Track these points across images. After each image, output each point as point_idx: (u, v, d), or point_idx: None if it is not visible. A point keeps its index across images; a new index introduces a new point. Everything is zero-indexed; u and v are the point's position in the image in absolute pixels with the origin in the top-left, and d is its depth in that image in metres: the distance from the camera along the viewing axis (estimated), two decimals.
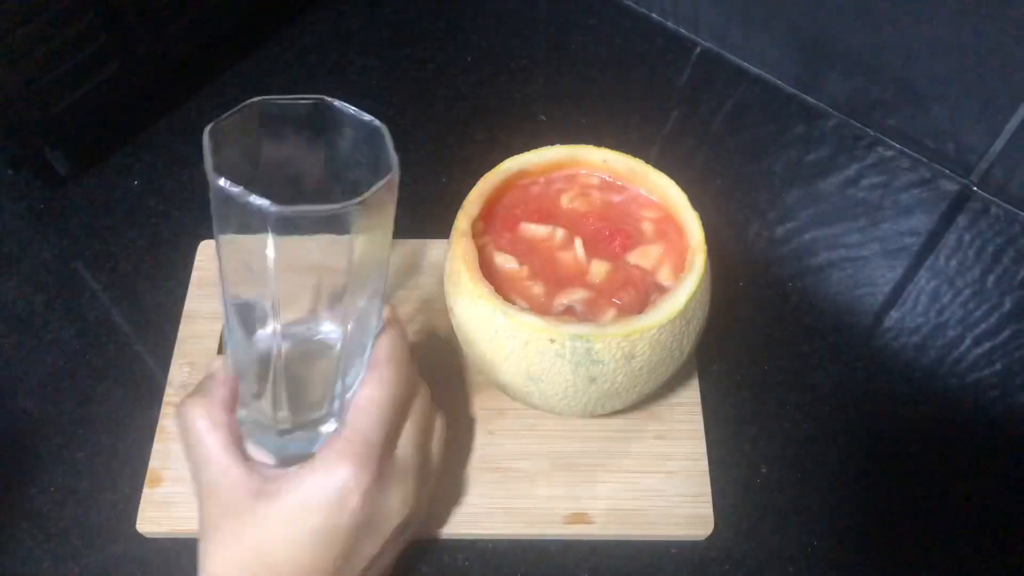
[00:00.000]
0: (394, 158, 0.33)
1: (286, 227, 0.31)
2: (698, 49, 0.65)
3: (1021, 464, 0.47)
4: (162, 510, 0.43)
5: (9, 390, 0.49)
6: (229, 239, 0.33)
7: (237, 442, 0.36)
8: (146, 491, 0.44)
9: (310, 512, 0.34)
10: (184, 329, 0.49)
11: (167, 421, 0.46)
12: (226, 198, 0.30)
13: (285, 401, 0.38)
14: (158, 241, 0.55)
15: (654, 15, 0.67)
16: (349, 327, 0.36)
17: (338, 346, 0.37)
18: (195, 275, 0.52)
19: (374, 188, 0.31)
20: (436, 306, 0.50)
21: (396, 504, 0.36)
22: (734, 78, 0.64)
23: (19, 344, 0.50)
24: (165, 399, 0.47)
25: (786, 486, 0.46)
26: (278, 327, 0.35)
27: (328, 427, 0.38)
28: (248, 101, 0.33)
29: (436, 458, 0.41)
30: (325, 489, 0.34)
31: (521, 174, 0.45)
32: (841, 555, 0.44)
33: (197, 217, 0.56)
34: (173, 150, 0.59)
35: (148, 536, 0.44)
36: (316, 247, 0.35)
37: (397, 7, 0.68)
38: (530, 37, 0.67)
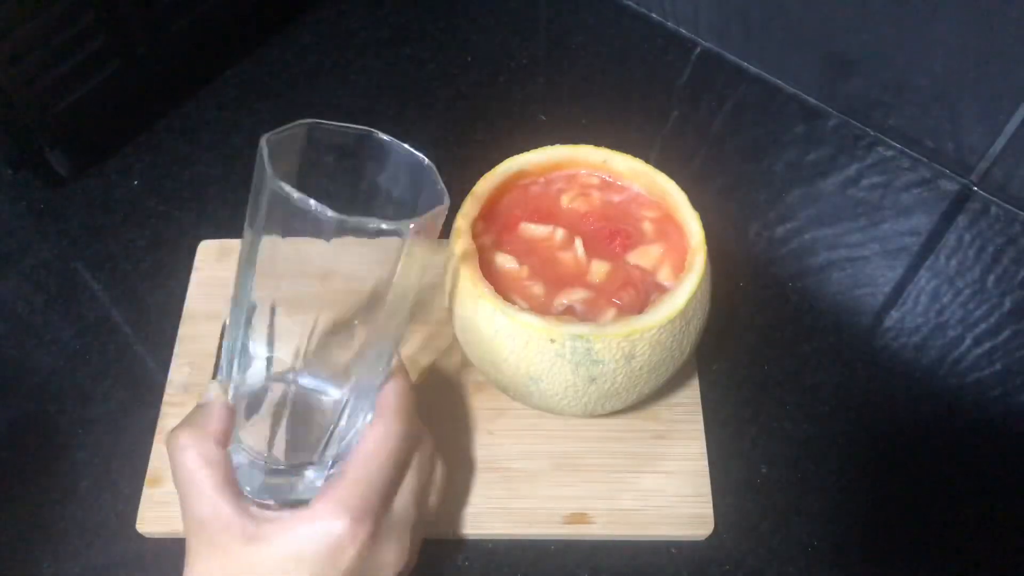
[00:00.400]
0: (444, 191, 0.33)
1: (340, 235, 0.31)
2: (698, 49, 0.65)
3: (1021, 464, 0.47)
4: (162, 510, 0.43)
5: (9, 390, 0.49)
6: (274, 241, 0.33)
7: (230, 479, 0.34)
8: (146, 491, 0.44)
9: (301, 562, 0.33)
10: (184, 329, 0.49)
11: (167, 421, 0.46)
12: (283, 200, 0.30)
13: (283, 440, 0.38)
14: (158, 241, 0.55)
15: (654, 15, 0.67)
16: (360, 370, 0.36)
17: (344, 390, 0.37)
18: (195, 275, 0.52)
19: (428, 214, 0.32)
20: (436, 306, 0.50)
21: (391, 558, 0.35)
22: (734, 78, 0.64)
23: (19, 344, 0.50)
24: (165, 399, 0.47)
25: (786, 486, 0.46)
26: (302, 349, 0.35)
27: (315, 473, 0.38)
28: (300, 121, 0.34)
29: (433, 508, 0.40)
30: (320, 540, 0.33)
31: (521, 174, 0.45)
32: (841, 555, 0.44)
33: (197, 217, 0.56)
34: (173, 150, 0.59)
35: (148, 536, 0.44)
36: (370, 253, 0.35)
37: (397, 7, 0.68)
38: (530, 37, 0.67)
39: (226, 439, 0.35)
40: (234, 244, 0.52)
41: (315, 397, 0.38)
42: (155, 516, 0.43)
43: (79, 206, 0.57)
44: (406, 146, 0.35)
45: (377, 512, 0.35)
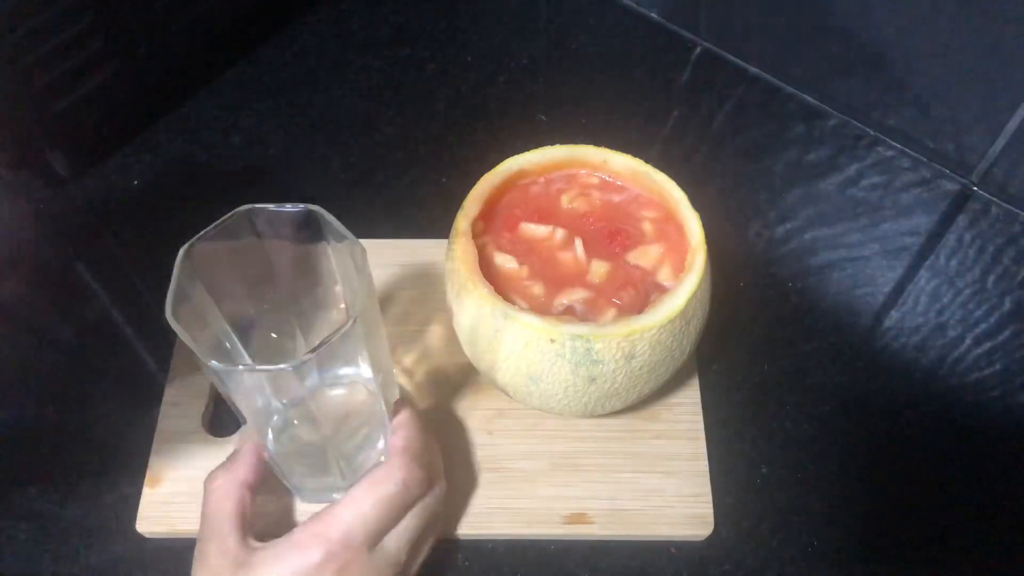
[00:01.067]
0: (365, 290, 0.33)
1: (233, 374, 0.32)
2: (698, 49, 0.65)
3: (1021, 464, 0.47)
4: (162, 510, 0.43)
5: (9, 390, 0.49)
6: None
7: (245, 516, 0.37)
8: (146, 491, 0.44)
9: None
10: None
11: (167, 421, 0.46)
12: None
13: (287, 472, 0.40)
14: (158, 241, 0.55)
15: (654, 15, 0.67)
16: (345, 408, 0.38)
17: (326, 428, 0.37)
18: None
19: (329, 340, 0.31)
20: (436, 306, 0.50)
21: None
22: (734, 78, 0.64)
23: (19, 344, 0.50)
24: (165, 399, 0.47)
25: (786, 486, 0.46)
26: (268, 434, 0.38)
27: (339, 493, 0.39)
28: (237, 209, 0.35)
29: (423, 555, 0.41)
30: (295, 568, 0.35)
31: (521, 174, 0.45)
32: (841, 555, 0.44)
33: (197, 217, 0.56)
34: (173, 150, 0.59)
35: (148, 536, 0.44)
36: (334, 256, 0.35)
37: (397, 7, 0.68)
38: (530, 37, 0.67)
39: (253, 478, 0.39)
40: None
41: (304, 439, 0.39)
42: (155, 516, 0.43)
43: (79, 206, 0.57)
44: (338, 224, 0.35)
45: (357, 547, 0.36)
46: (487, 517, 0.44)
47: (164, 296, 0.52)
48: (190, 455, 0.45)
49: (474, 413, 0.47)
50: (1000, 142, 0.54)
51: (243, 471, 0.38)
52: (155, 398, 0.47)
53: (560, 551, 0.44)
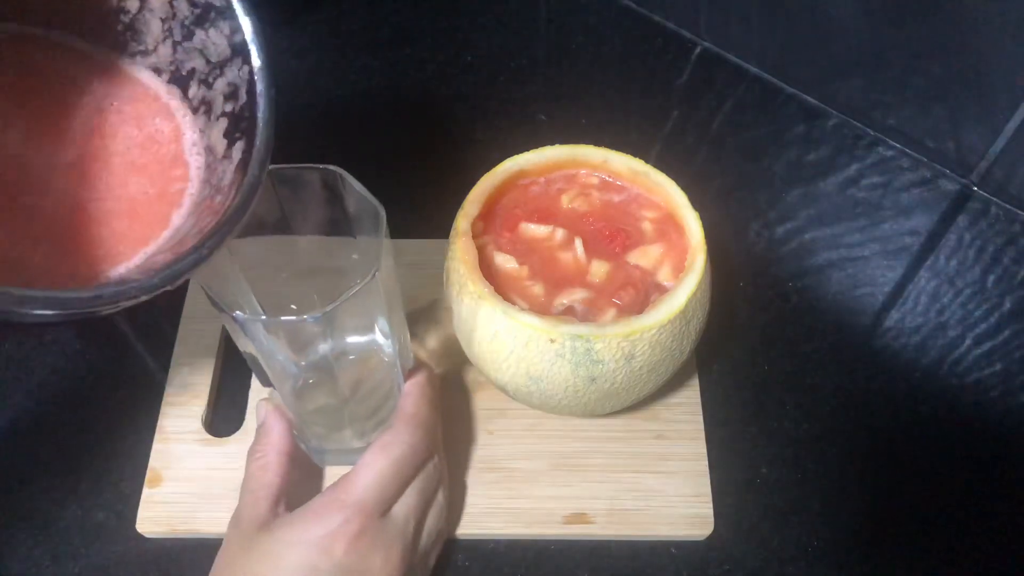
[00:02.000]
0: (384, 252, 0.33)
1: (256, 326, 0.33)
2: (698, 49, 0.65)
3: (1021, 464, 0.47)
4: (162, 510, 0.43)
5: (9, 390, 0.49)
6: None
7: (281, 484, 0.39)
8: (146, 491, 0.44)
9: (295, 549, 0.36)
10: (184, 329, 0.49)
11: (167, 421, 0.46)
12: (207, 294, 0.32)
13: (308, 435, 0.42)
14: None
15: (654, 15, 0.67)
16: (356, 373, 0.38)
17: (344, 390, 0.38)
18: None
19: (349, 293, 0.32)
20: (436, 306, 0.50)
21: (378, 563, 0.37)
22: (734, 78, 0.64)
23: (19, 344, 0.50)
24: (165, 399, 0.47)
25: (786, 486, 0.46)
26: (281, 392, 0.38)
27: (357, 455, 0.40)
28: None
29: (431, 531, 0.41)
30: (313, 531, 0.36)
31: (521, 174, 0.45)
32: (841, 555, 0.44)
33: None
34: None
35: (148, 536, 0.44)
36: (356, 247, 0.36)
37: (397, 7, 0.68)
38: (530, 37, 0.67)
39: (288, 444, 0.40)
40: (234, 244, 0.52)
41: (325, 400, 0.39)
42: (155, 516, 0.43)
43: None
44: (360, 186, 0.35)
45: (371, 512, 0.37)
46: (487, 517, 0.44)
47: (163, 296, 0.52)
48: (190, 455, 0.45)
49: (474, 413, 0.47)
50: (1000, 142, 0.54)
51: (277, 440, 0.40)
52: (155, 398, 0.47)
53: (560, 551, 0.44)
